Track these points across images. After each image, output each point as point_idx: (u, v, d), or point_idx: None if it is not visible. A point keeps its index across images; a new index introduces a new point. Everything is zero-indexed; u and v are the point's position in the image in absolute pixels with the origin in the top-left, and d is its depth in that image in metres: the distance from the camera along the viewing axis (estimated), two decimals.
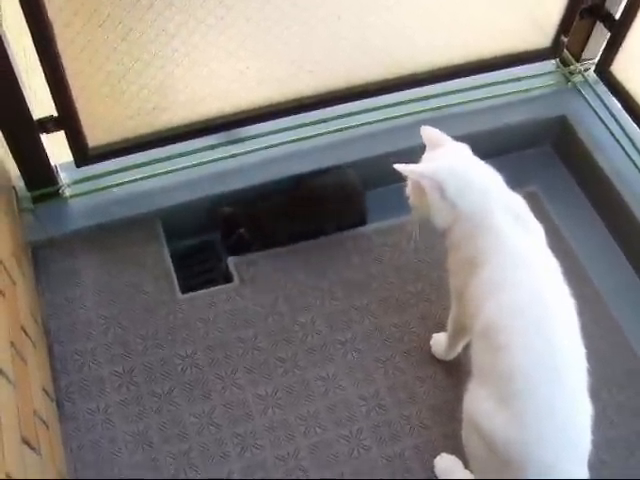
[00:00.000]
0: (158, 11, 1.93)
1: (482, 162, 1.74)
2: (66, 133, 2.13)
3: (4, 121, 2.03)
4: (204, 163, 2.35)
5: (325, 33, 2.18)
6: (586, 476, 1.55)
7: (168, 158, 2.33)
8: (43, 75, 1.96)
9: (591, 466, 1.55)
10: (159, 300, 2.15)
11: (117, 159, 2.27)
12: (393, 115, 2.47)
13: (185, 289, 2.19)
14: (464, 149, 1.77)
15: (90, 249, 2.23)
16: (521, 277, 1.63)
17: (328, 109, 2.40)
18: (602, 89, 2.58)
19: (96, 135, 2.17)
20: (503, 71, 2.55)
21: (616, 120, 2.50)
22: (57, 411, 1.91)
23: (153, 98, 2.14)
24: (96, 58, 1.98)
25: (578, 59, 2.62)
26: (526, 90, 2.60)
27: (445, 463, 1.88)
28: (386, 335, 2.12)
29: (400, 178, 1.73)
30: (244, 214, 2.27)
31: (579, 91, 2.62)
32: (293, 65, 2.23)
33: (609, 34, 2.51)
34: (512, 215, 1.68)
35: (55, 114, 2.08)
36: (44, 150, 2.15)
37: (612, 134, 2.48)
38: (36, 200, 2.24)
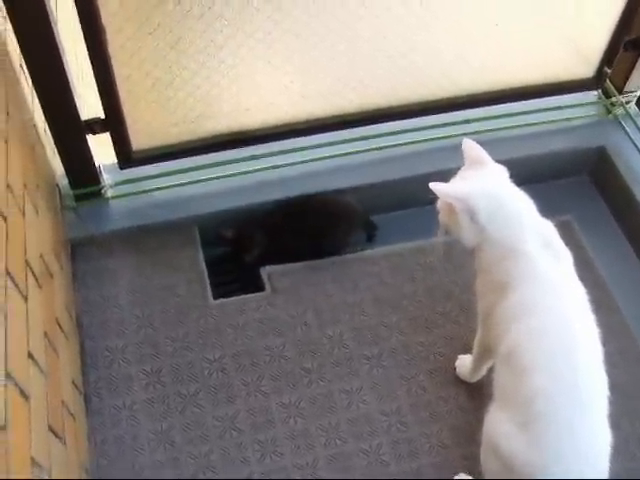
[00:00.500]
0: (208, 22, 1.98)
1: (515, 187, 1.75)
2: (111, 135, 2.19)
3: (54, 120, 2.10)
4: (244, 173, 2.40)
5: (370, 51, 2.22)
6: None
7: (209, 166, 2.38)
8: (93, 78, 2.02)
9: None
10: (191, 304, 2.19)
11: (159, 164, 2.33)
12: (432, 137, 2.49)
13: (217, 295, 2.23)
14: (502, 172, 1.77)
15: (127, 250, 2.28)
16: (548, 303, 1.64)
17: (369, 127, 2.43)
18: None
19: (140, 139, 2.23)
20: (544, 99, 2.57)
21: None
22: (84, 405, 1.96)
23: (198, 106, 2.19)
24: (145, 64, 2.04)
25: (620, 91, 2.62)
26: (567, 119, 2.60)
27: None
28: (412, 353, 2.13)
29: (436, 199, 1.75)
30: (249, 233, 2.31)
31: (620, 123, 2.62)
32: (337, 81, 2.27)
33: None
34: (542, 241, 1.68)
35: (102, 116, 2.14)
36: (89, 151, 2.21)
37: None
38: (79, 199, 2.30)
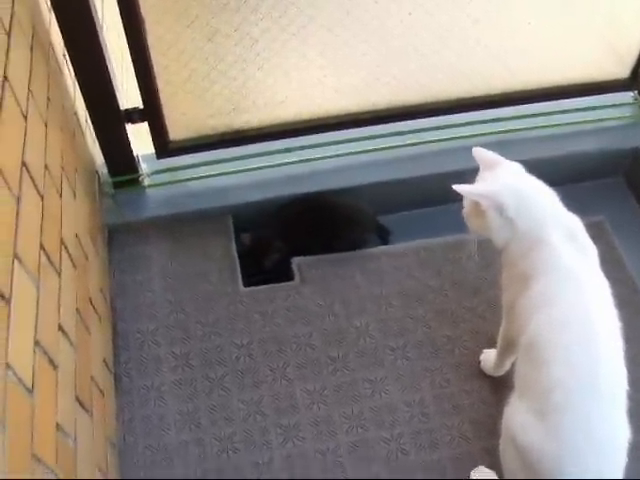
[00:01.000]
0: (244, 16, 2.03)
1: (537, 180, 1.76)
2: (149, 124, 2.26)
3: (94, 109, 2.17)
4: (277, 165, 2.44)
5: (402, 48, 2.25)
6: None
7: (244, 157, 2.43)
8: (132, 69, 2.09)
9: None
10: (222, 291, 2.24)
11: (195, 154, 2.39)
12: (464, 135, 2.51)
13: (247, 283, 2.27)
14: (519, 168, 1.78)
15: (162, 237, 2.34)
16: (570, 294, 1.65)
17: (401, 123, 2.46)
18: None
19: (177, 130, 2.29)
20: (579, 99, 2.57)
21: None
22: (114, 384, 2.02)
23: (234, 98, 2.25)
24: (182, 56, 2.09)
25: None
26: (601, 120, 2.60)
27: (481, 476, 1.89)
28: (437, 346, 2.15)
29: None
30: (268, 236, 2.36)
31: None
32: (370, 77, 2.31)
33: None
34: (567, 233, 1.69)
35: (141, 106, 2.20)
36: (128, 139, 2.28)
37: None
38: (117, 186, 2.37)
